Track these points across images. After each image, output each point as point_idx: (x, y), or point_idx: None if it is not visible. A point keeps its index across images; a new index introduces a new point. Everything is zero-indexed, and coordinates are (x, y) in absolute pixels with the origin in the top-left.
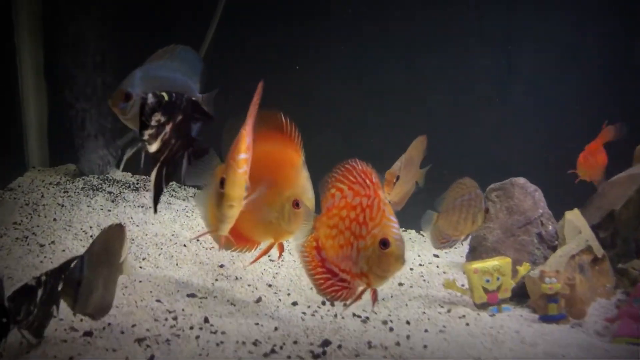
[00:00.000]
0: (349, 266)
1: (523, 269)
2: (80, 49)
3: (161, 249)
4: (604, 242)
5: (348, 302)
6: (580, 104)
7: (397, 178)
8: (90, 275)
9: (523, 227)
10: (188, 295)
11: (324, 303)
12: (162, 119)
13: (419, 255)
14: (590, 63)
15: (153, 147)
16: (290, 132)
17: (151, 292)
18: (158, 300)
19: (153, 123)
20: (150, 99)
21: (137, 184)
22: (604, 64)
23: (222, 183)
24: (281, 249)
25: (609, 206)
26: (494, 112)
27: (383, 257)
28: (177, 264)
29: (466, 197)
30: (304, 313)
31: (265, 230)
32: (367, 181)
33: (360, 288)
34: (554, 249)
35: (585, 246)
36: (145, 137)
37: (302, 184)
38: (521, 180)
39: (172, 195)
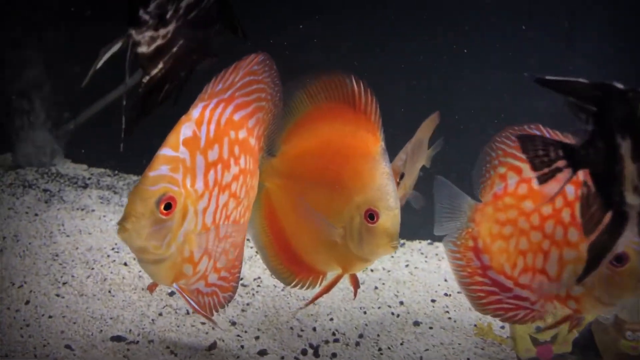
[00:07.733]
0: (539, 282)
1: None
2: None
3: (92, 268)
4: None
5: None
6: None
7: (402, 176)
8: None
9: None
10: (112, 339)
11: (304, 353)
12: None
13: (445, 280)
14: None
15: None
16: (365, 106)
17: (62, 332)
18: (67, 347)
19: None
20: None
21: (89, 179)
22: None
23: None
24: (355, 283)
25: None
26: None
27: (615, 277)
28: (109, 291)
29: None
30: None
31: (329, 254)
32: None
33: (559, 313)
34: None
35: None
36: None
37: (380, 184)
38: None
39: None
